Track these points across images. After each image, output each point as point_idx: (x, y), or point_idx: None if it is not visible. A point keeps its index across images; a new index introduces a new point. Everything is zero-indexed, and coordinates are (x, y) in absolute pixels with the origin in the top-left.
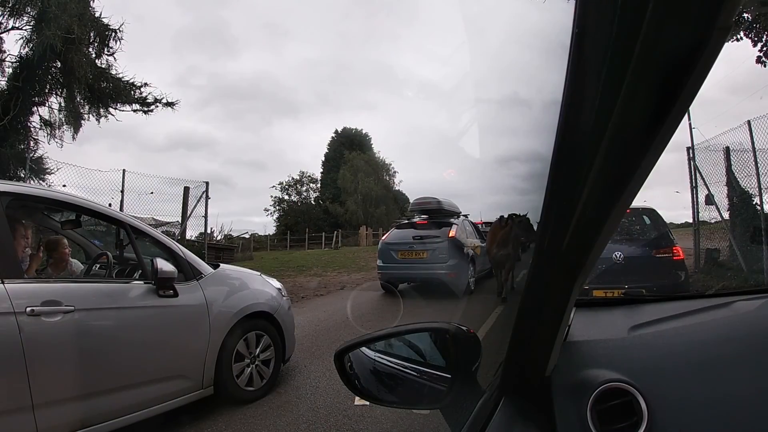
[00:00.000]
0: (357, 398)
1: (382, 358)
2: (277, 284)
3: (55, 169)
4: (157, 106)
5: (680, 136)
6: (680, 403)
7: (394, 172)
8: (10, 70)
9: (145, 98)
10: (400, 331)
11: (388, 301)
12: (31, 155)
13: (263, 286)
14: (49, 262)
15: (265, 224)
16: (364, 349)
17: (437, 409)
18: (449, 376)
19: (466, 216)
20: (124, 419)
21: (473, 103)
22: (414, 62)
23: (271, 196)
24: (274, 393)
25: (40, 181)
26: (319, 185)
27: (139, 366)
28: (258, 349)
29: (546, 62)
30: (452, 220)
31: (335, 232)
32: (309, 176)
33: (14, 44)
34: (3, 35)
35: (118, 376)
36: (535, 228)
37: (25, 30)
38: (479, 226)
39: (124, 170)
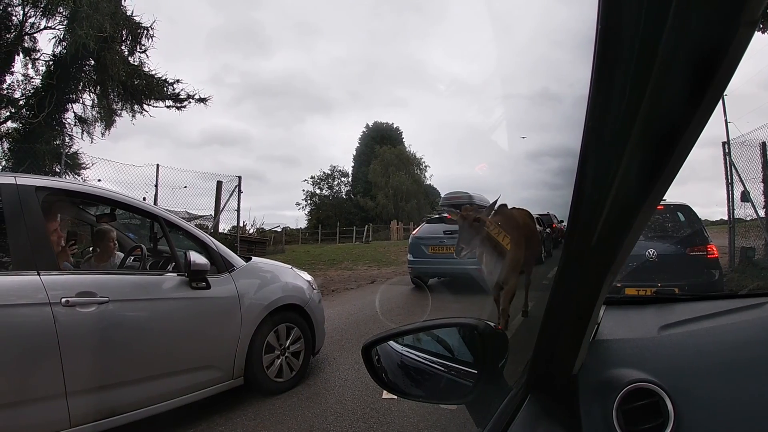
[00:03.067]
0: (385, 392)
1: (410, 353)
2: (308, 277)
3: (90, 164)
4: (190, 102)
5: (715, 131)
6: (708, 404)
7: (425, 166)
8: (44, 69)
9: (178, 94)
10: (428, 325)
11: (418, 295)
12: (66, 151)
13: (294, 279)
14: (96, 252)
15: (297, 218)
16: (391, 343)
17: (463, 405)
18: (476, 372)
19: None
20: (154, 408)
21: (503, 98)
22: (443, 59)
23: (303, 190)
24: (303, 385)
25: (75, 176)
26: (350, 179)
27: (171, 356)
28: (288, 341)
29: (575, 58)
30: None
31: (366, 226)
32: (340, 170)
33: (47, 43)
34: (36, 35)
35: (150, 366)
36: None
37: (58, 29)
38: None
39: (158, 165)
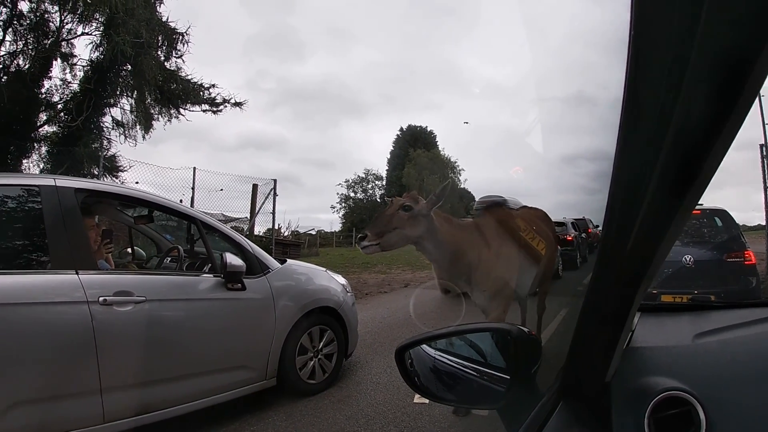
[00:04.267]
0: (416, 396)
1: (443, 357)
2: (342, 280)
3: (128, 167)
4: (226, 106)
5: (752, 133)
6: (741, 414)
7: (460, 169)
8: (82, 74)
9: (214, 99)
10: (461, 330)
11: (451, 300)
12: (104, 154)
13: (328, 282)
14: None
15: (331, 221)
16: (424, 346)
17: (494, 410)
18: (508, 377)
19: None
20: (188, 406)
21: (537, 101)
22: (476, 62)
23: (337, 194)
24: (335, 387)
25: (114, 179)
26: (384, 182)
27: (205, 355)
28: (321, 343)
29: (609, 60)
30: None
31: None
32: (374, 174)
33: (84, 49)
34: (73, 40)
35: (184, 365)
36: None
37: (95, 35)
38: None
39: (194, 168)
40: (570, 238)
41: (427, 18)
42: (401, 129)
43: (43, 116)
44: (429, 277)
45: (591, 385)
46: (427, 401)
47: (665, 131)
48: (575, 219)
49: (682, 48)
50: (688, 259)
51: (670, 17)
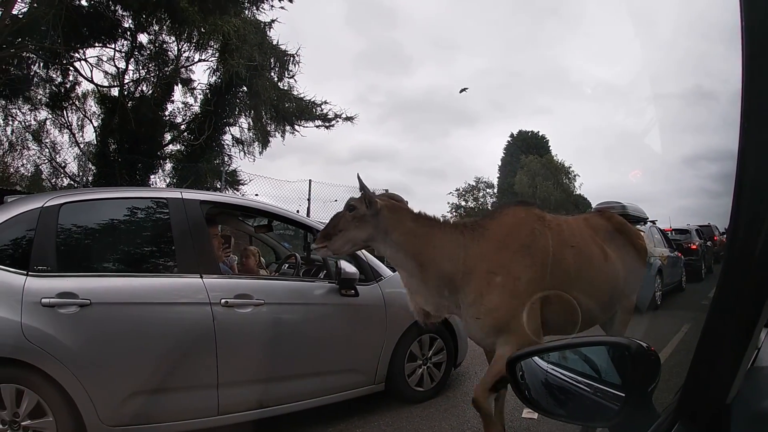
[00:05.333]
0: (525, 411)
1: (555, 370)
2: None
3: (248, 181)
4: (338, 121)
5: None
6: None
7: (574, 175)
8: (202, 96)
9: (326, 114)
10: (575, 342)
11: None
12: (225, 169)
13: None
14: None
15: None
16: (536, 359)
17: (606, 429)
18: (623, 395)
19: (653, 222)
20: (299, 404)
21: (652, 98)
22: (584, 62)
23: (448, 203)
24: (442, 396)
25: (235, 191)
26: (495, 190)
27: (318, 358)
28: (431, 352)
29: (726, 50)
30: (638, 226)
31: None
32: (485, 182)
33: (203, 74)
34: (192, 67)
35: (297, 366)
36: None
37: (211, 61)
38: (668, 233)
39: (310, 180)
40: (694, 247)
41: (530, 20)
42: (512, 135)
43: (167, 136)
44: None
45: (710, 406)
46: (536, 416)
47: None
48: (700, 226)
49: None
50: None
51: None
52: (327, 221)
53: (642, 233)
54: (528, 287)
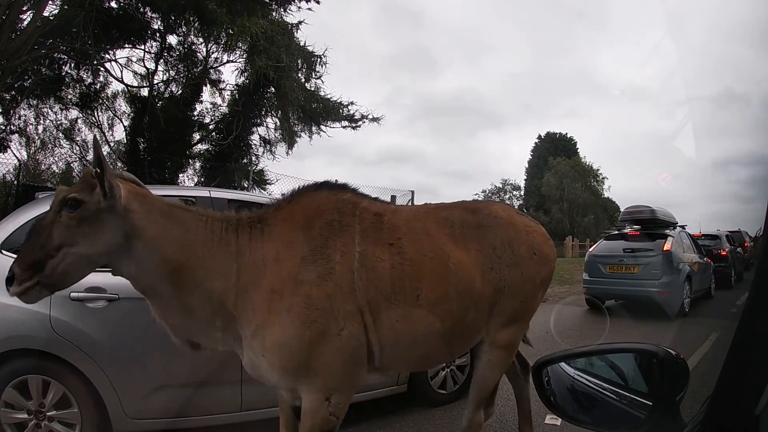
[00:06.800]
0: (548, 416)
1: (581, 376)
2: None
3: (275, 180)
4: (364, 122)
5: None
6: None
7: (603, 177)
8: (230, 97)
9: (353, 115)
10: (603, 349)
11: (593, 317)
12: (253, 168)
13: None
14: None
15: None
16: (563, 364)
17: None
18: (650, 403)
19: (683, 227)
20: None
21: (683, 101)
22: (612, 65)
23: None
24: (465, 399)
25: (262, 191)
26: (522, 193)
27: None
28: None
29: (758, 53)
30: (667, 231)
31: None
32: (511, 184)
33: (231, 75)
34: (220, 68)
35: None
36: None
37: (239, 62)
38: (698, 238)
39: (336, 180)
40: (724, 254)
41: (558, 24)
42: (539, 137)
43: (196, 136)
44: (569, 293)
45: (739, 417)
46: (558, 422)
47: None
48: (730, 231)
49: None
50: None
51: None
52: None
53: (671, 238)
54: (327, 307)
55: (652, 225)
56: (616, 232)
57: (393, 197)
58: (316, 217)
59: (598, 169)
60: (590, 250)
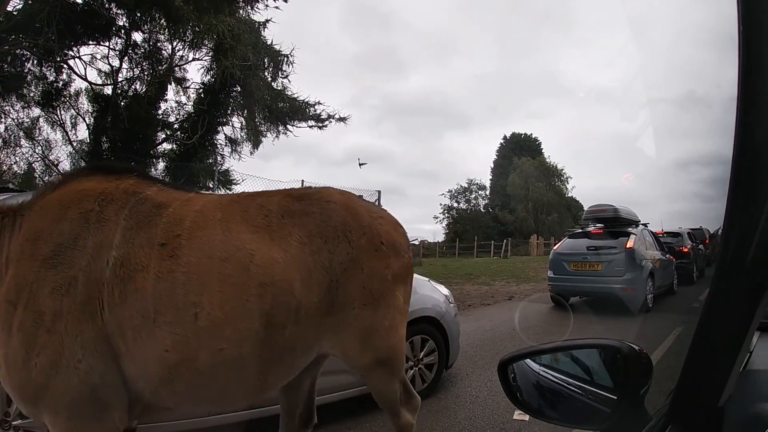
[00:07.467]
0: (516, 413)
1: (547, 373)
2: (445, 291)
3: (241, 180)
4: (331, 122)
5: None
6: None
7: (567, 177)
8: (195, 96)
9: (319, 115)
10: (568, 345)
11: (558, 314)
12: (218, 168)
13: (432, 292)
14: None
15: (435, 231)
16: (528, 361)
17: (598, 431)
18: (615, 397)
19: (645, 225)
20: None
21: (646, 103)
22: (577, 67)
23: (440, 204)
24: (433, 397)
25: (227, 191)
26: (487, 192)
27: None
28: (422, 353)
29: (720, 57)
30: (630, 229)
31: (504, 240)
32: (477, 183)
33: (196, 73)
34: (185, 66)
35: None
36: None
37: (205, 60)
38: (660, 236)
39: (302, 180)
40: (686, 250)
41: (524, 27)
42: (505, 137)
43: (160, 135)
44: (534, 290)
45: (703, 409)
46: (527, 418)
47: None
48: (691, 229)
49: None
50: None
51: None
52: None
53: (634, 235)
54: (61, 330)
55: (615, 223)
56: (580, 230)
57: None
58: (72, 206)
59: (562, 169)
60: (555, 248)
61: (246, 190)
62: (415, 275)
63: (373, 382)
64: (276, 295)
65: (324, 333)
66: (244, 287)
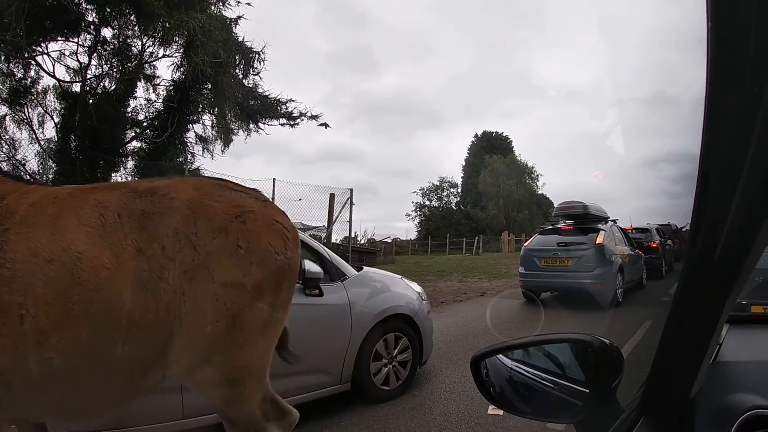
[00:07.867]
0: (490, 407)
1: (519, 367)
2: (417, 288)
3: None
4: (303, 119)
5: None
6: None
7: (537, 175)
8: (165, 93)
9: (291, 113)
10: (539, 340)
11: (530, 310)
12: (188, 167)
13: (404, 290)
14: None
15: (407, 229)
16: (501, 356)
17: (571, 425)
18: (587, 391)
19: (614, 221)
20: None
21: (615, 103)
22: (549, 67)
23: (413, 202)
24: (408, 394)
25: None
26: (459, 190)
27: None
28: (396, 350)
29: (689, 58)
30: (600, 225)
31: (476, 237)
32: (449, 181)
33: (166, 70)
34: (155, 62)
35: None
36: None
37: (175, 57)
38: (629, 232)
39: (274, 179)
40: (655, 245)
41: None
42: (476, 135)
43: (130, 133)
44: (506, 286)
45: (674, 401)
46: (501, 413)
47: (752, 129)
48: (660, 225)
49: (765, 41)
50: None
51: (749, 6)
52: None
53: (603, 231)
54: None
55: (584, 220)
56: (551, 227)
57: (332, 195)
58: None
59: (532, 167)
60: (525, 244)
61: None
62: (387, 273)
63: (223, 406)
64: (102, 304)
65: (171, 351)
66: (68, 293)
